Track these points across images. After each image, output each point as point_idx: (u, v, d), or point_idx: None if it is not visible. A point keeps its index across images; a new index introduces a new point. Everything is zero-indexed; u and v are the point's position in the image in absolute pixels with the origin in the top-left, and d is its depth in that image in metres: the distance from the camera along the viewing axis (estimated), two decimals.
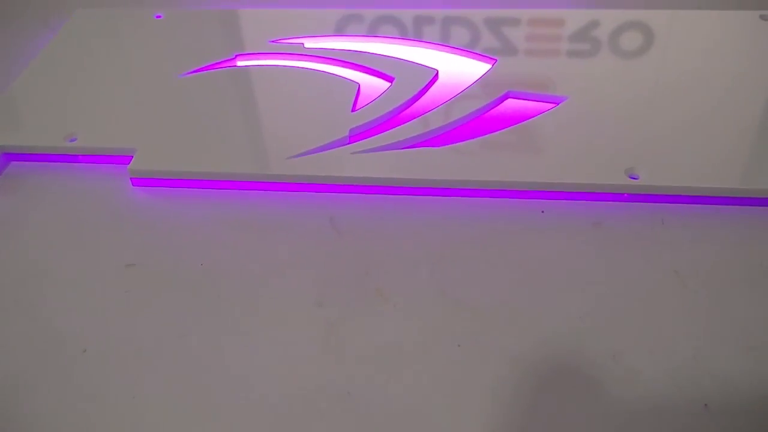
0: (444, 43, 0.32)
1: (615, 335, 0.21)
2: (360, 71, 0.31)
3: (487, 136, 0.27)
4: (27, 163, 0.28)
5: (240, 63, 0.32)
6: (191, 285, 0.23)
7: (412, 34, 0.33)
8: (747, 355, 0.20)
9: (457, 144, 0.27)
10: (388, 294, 0.23)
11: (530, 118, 0.28)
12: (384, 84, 0.30)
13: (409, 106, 0.29)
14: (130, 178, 0.27)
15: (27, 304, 0.23)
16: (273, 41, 0.33)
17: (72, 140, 0.28)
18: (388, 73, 0.31)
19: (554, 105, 0.28)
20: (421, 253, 0.24)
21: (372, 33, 0.33)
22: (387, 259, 0.24)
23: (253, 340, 0.22)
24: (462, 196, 0.26)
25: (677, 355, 0.20)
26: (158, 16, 0.35)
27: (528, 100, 0.29)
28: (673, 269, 0.23)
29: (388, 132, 0.28)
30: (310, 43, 0.32)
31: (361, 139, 0.27)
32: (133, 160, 0.27)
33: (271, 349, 0.21)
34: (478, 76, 0.30)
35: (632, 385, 0.20)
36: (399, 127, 0.28)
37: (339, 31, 0.33)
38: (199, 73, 0.31)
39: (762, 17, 0.32)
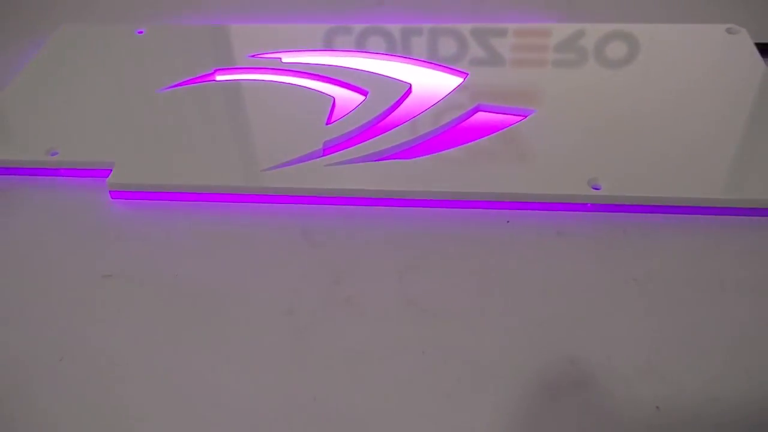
0: (418, 57, 0.33)
1: (574, 341, 0.22)
2: (335, 85, 0.32)
3: (456, 148, 0.28)
4: (9, 176, 0.29)
5: (219, 77, 0.33)
6: (165, 295, 0.24)
7: (388, 49, 0.33)
8: (697, 360, 0.21)
9: (428, 156, 0.27)
10: (357, 302, 0.23)
11: (499, 130, 0.28)
12: (359, 97, 0.31)
13: (382, 119, 0.30)
14: (109, 191, 0.27)
15: (4, 313, 0.24)
16: (251, 56, 0.34)
17: (53, 154, 0.28)
18: (363, 87, 0.31)
19: (522, 118, 0.29)
20: (390, 262, 0.25)
21: (348, 47, 0.34)
22: (357, 269, 0.25)
23: (223, 347, 0.22)
24: (431, 207, 0.26)
25: (632, 360, 0.21)
26: (140, 32, 0.36)
27: (497, 113, 0.30)
28: (633, 278, 0.23)
29: (361, 144, 0.28)
30: (287, 58, 0.33)
31: (335, 152, 0.28)
32: (111, 173, 0.27)
33: (241, 355, 0.22)
34: (450, 90, 0.31)
35: (588, 387, 0.20)
36: (372, 139, 0.29)
37: (316, 46, 0.34)
38: (178, 87, 0.32)
39: (728, 31, 0.33)
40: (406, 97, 0.31)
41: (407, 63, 0.33)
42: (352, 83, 0.32)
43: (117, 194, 0.27)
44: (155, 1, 0.40)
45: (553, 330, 0.22)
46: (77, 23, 0.37)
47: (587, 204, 0.26)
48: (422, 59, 0.33)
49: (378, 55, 0.33)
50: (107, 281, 0.24)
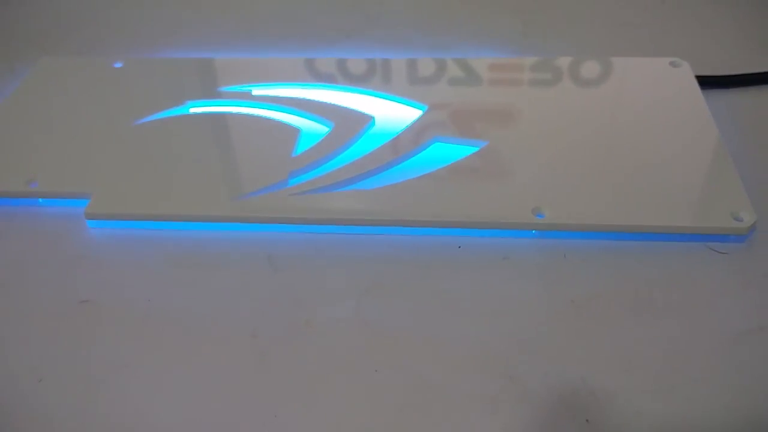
0: (381, 89, 0.35)
1: (515, 359, 0.24)
2: (302, 117, 0.34)
3: (414, 178, 0.30)
4: None
5: (192, 110, 0.34)
6: (139, 319, 0.26)
7: (352, 81, 0.35)
8: (626, 375, 0.23)
9: (387, 186, 0.29)
10: (315, 325, 0.25)
11: (453, 161, 0.30)
12: (324, 129, 0.33)
13: (345, 150, 0.32)
14: (86, 220, 0.29)
15: None
16: (223, 89, 0.35)
17: (33, 185, 0.30)
18: (328, 118, 0.33)
19: (476, 149, 0.31)
20: (348, 286, 0.27)
21: (315, 80, 0.36)
22: (317, 293, 0.26)
23: (193, 368, 0.24)
24: (388, 234, 0.28)
25: (567, 377, 0.23)
26: (117, 65, 0.37)
27: (453, 144, 0.32)
28: (570, 299, 0.26)
29: (324, 174, 0.30)
30: (257, 91, 0.35)
31: (300, 181, 0.30)
32: (89, 203, 0.29)
33: (210, 375, 0.24)
34: (410, 122, 0.33)
35: (525, 403, 0.23)
36: (335, 169, 0.31)
37: (285, 79, 0.36)
38: (153, 119, 0.34)
39: (672, 64, 0.36)
40: (369, 128, 0.33)
41: (370, 96, 0.35)
42: (318, 115, 0.34)
43: (94, 222, 0.29)
44: (131, 34, 0.42)
45: (496, 349, 0.24)
46: (56, 55, 0.39)
47: (532, 230, 0.28)
48: (384, 92, 0.35)
49: (343, 88, 0.35)
50: (84, 306, 0.26)
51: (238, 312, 0.26)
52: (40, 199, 0.30)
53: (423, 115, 0.33)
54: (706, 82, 0.35)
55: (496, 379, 0.23)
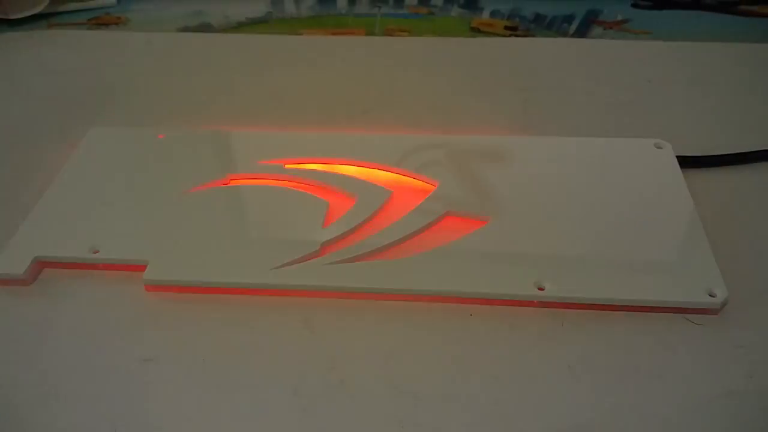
0: (397, 165, 0.39)
1: (519, 417, 0.28)
2: (329, 190, 0.38)
3: (429, 251, 0.34)
4: (56, 269, 0.35)
5: (232, 181, 0.39)
6: (196, 376, 0.30)
7: (372, 157, 0.40)
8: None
9: (405, 258, 0.34)
10: (349, 384, 0.29)
11: (463, 235, 0.35)
12: (349, 202, 0.37)
13: (368, 223, 0.36)
14: (144, 285, 0.33)
15: (59, 391, 0.29)
16: (258, 162, 0.40)
17: (96, 252, 0.34)
18: (352, 192, 0.38)
19: (483, 224, 0.35)
20: (376, 349, 0.31)
21: (339, 155, 0.40)
22: (350, 354, 0.31)
23: (244, 421, 0.28)
24: (408, 301, 0.32)
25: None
26: (160, 136, 0.42)
27: (462, 219, 0.36)
28: (568, 364, 0.30)
29: (350, 246, 0.35)
30: (289, 165, 0.40)
31: (330, 252, 0.34)
32: (146, 271, 0.33)
33: (259, 427, 0.28)
34: (424, 197, 0.37)
35: None
36: (360, 241, 0.35)
37: (313, 153, 0.40)
38: (197, 191, 0.38)
39: (656, 145, 0.40)
40: (389, 202, 0.37)
41: (389, 171, 0.39)
42: (344, 189, 0.38)
43: (151, 287, 0.33)
44: (171, 106, 0.47)
45: (504, 410, 0.28)
46: (103, 126, 0.43)
47: (533, 302, 0.32)
48: (400, 167, 0.39)
49: (364, 163, 0.40)
50: (148, 364, 0.30)
51: (281, 370, 0.30)
52: (101, 265, 0.34)
53: (436, 190, 0.38)
54: (687, 163, 0.40)
55: None
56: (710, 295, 0.31)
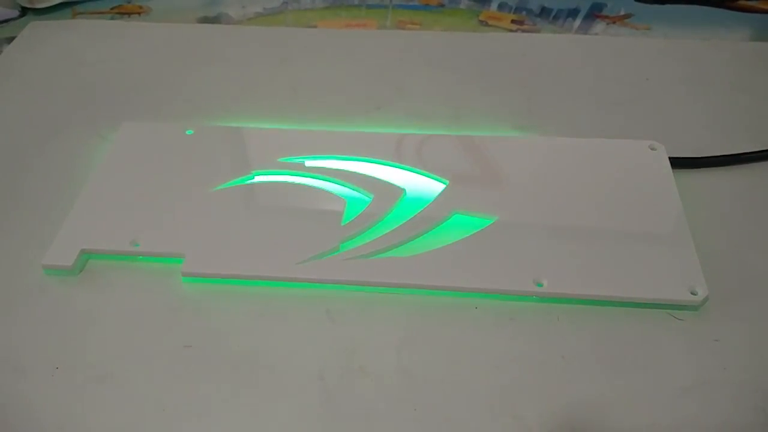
0: (409, 164, 0.42)
1: (517, 402, 0.32)
2: (347, 188, 0.41)
3: (439, 248, 0.38)
4: (100, 260, 0.38)
5: (257, 178, 0.42)
6: (232, 361, 0.33)
7: (385, 156, 0.43)
8: (601, 415, 0.31)
9: (417, 254, 0.37)
10: (368, 370, 0.33)
11: (469, 234, 0.38)
12: (365, 199, 0.41)
13: (383, 220, 0.39)
14: (182, 276, 0.37)
15: (106, 375, 0.33)
16: (281, 159, 0.43)
17: (136, 245, 0.38)
18: (368, 190, 0.41)
19: (489, 222, 0.39)
20: (392, 338, 0.34)
21: (355, 153, 0.43)
22: (368, 343, 0.34)
23: (274, 404, 0.32)
24: (419, 295, 0.36)
25: (557, 416, 0.31)
26: (189, 132, 0.45)
27: (470, 216, 0.39)
28: (561, 355, 0.33)
29: (367, 242, 0.38)
30: (309, 163, 0.43)
31: (349, 248, 0.38)
32: (183, 263, 0.37)
33: (287, 411, 0.32)
34: (434, 196, 0.40)
35: None
36: (375, 238, 0.38)
37: (330, 151, 0.43)
38: (226, 187, 0.41)
39: (650, 147, 0.43)
40: (401, 200, 0.40)
41: (402, 169, 0.42)
42: (360, 186, 0.41)
43: (188, 278, 0.37)
44: (192, 99, 0.49)
45: (505, 394, 0.32)
46: (134, 121, 0.46)
47: (532, 297, 0.35)
48: (413, 166, 0.42)
49: (378, 161, 0.43)
50: (189, 350, 0.34)
51: (307, 357, 0.34)
52: (141, 257, 0.38)
53: (445, 189, 0.41)
54: (680, 163, 0.43)
55: (503, 417, 0.31)
56: (692, 293, 0.35)
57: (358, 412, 0.32)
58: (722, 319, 0.35)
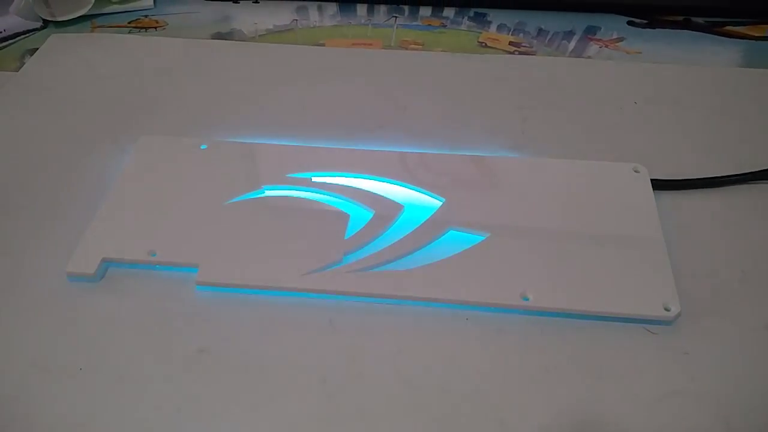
0: (409, 181, 0.45)
1: (504, 408, 0.35)
2: (350, 203, 0.44)
3: (435, 262, 0.41)
4: (120, 268, 0.41)
5: (267, 192, 0.45)
6: (243, 365, 0.36)
7: (386, 173, 0.46)
8: (580, 422, 0.34)
9: (414, 268, 0.40)
10: (366, 375, 0.36)
11: (462, 249, 0.41)
12: (367, 215, 0.44)
13: (383, 235, 0.42)
14: (196, 285, 0.40)
15: (125, 377, 0.36)
16: (290, 175, 0.46)
17: (153, 255, 0.41)
18: (370, 206, 0.44)
19: (481, 239, 0.42)
20: (390, 346, 0.37)
21: (358, 170, 0.46)
22: (367, 350, 0.37)
23: (280, 404, 0.35)
24: (415, 306, 0.39)
25: (540, 422, 0.34)
26: (203, 146, 0.48)
27: (463, 233, 0.42)
28: (544, 366, 0.36)
29: (369, 255, 0.41)
30: (316, 179, 0.46)
31: (351, 261, 0.41)
32: (198, 273, 0.40)
33: (292, 411, 0.35)
34: (431, 213, 0.43)
35: None
36: (376, 252, 0.41)
37: (336, 168, 0.46)
38: (238, 201, 0.44)
39: (634, 169, 0.46)
40: (401, 216, 0.43)
41: (401, 185, 0.45)
42: (362, 203, 0.44)
43: (201, 287, 0.40)
44: (206, 113, 0.52)
45: (492, 400, 0.35)
46: (151, 135, 0.49)
47: (519, 310, 0.38)
48: (412, 183, 0.45)
49: (380, 179, 0.46)
50: (203, 353, 0.37)
51: (310, 363, 0.37)
52: (158, 266, 0.41)
53: (441, 207, 0.44)
54: (661, 185, 0.46)
55: (490, 421, 0.34)
56: (666, 309, 0.38)
57: (357, 414, 0.35)
58: (692, 333, 0.38)
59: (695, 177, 0.46)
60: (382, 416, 0.35)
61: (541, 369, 0.36)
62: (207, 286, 0.40)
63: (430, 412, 0.35)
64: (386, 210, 0.44)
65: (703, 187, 0.46)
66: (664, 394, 0.35)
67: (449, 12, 0.64)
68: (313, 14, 0.64)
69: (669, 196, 0.45)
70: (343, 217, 0.43)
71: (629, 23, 0.62)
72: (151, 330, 0.38)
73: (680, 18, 0.62)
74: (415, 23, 0.62)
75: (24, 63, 0.58)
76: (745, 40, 0.60)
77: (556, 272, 0.40)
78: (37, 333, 0.38)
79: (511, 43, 0.59)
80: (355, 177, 0.46)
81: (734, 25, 0.61)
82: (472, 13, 0.63)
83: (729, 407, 0.35)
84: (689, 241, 0.43)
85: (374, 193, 0.45)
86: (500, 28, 0.61)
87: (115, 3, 0.63)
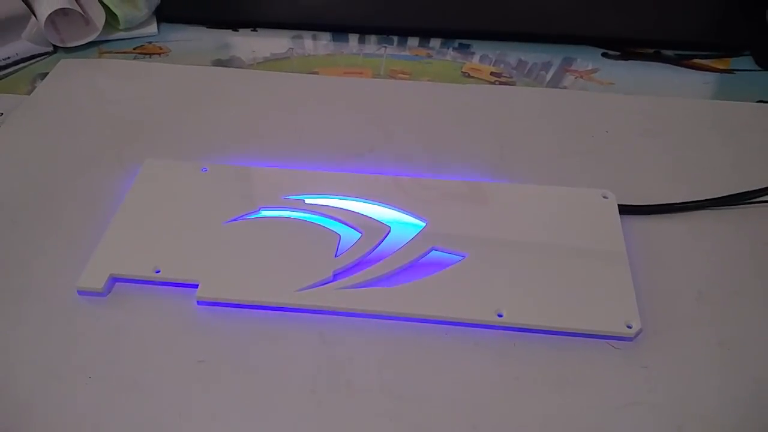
0: (395, 204, 0.49)
1: (477, 414, 0.38)
2: (340, 224, 0.48)
3: (417, 280, 0.44)
4: (126, 284, 0.45)
5: (263, 213, 0.48)
6: (239, 375, 0.40)
7: (373, 195, 0.49)
8: (547, 429, 0.38)
9: (399, 286, 0.44)
10: (353, 385, 0.39)
11: (444, 268, 0.45)
12: (356, 235, 0.47)
13: (371, 254, 0.46)
14: (196, 301, 0.43)
15: (131, 386, 0.39)
16: (284, 197, 0.49)
17: (157, 272, 0.44)
18: (358, 226, 0.47)
19: (460, 259, 0.45)
20: (375, 358, 0.41)
21: (348, 192, 0.50)
22: (354, 361, 0.40)
23: (272, 412, 0.38)
24: (399, 321, 0.43)
25: (510, 428, 0.38)
26: (204, 170, 0.51)
27: (445, 253, 0.46)
28: (515, 376, 0.40)
29: (357, 274, 0.44)
30: (308, 200, 0.49)
31: (341, 278, 0.44)
32: (198, 289, 0.43)
33: (284, 419, 0.38)
34: (415, 233, 0.47)
35: None
36: (364, 270, 0.45)
37: (327, 191, 0.50)
38: (235, 221, 0.47)
39: (603, 195, 0.50)
40: (387, 237, 0.47)
41: (387, 207, 0.49)
42: (351, 223, 0.48)
43: (201, 303, 0.43)
44: (206, 138, 0.56)
45: (467, 406, 0.38)
46: (155, 158, 0.52)
47: (494, 325, 0.42)
48: (397, 206, 0.49)
49: (368, 201, 0.49)
50: (202, 364, 0.40)
51: (301, 373, 0.40)
52: (161, 282, 0.44)
53: (424, 227, 0.48)
54: (628, 210, 0.49)
55: (464, 427, 0.38)
56: (627, 326, 0.41)
57: (344, 420, 0.38)
58: (652, 348, 0.41)
59: (659, 203, 0.50)
60: (366, 422, 0.38)
61: (513, 379, 0.40)
62: (207, 302, 0.43)
63: (410, 418, 0.38)
64: (374, 230, 0.47)
65: (664, 213, 0.50)
66: (624, 404, 0.39)
67: (435, 43, 0.67)
68: (308, 43, 0.67)
69: (634, 221, 0.49)
70: (333, 237, 0.47)
71: (604, 55, 0.66)
72: (155, 342, 0.41)
73: (651, 51, 0.66)
74: (403, 53, 0.66)
75: (35, 86, 0.61)
76: (711, 73, 0.64)
77: (529, 291, 0.43)
78: (49, 343, 0.41)
79: (492, 74, 0.63)
80: (345, 199, 0.50)
81: (701, 58, 0.65)
82: (456, 44, 0.67)
83: (683, 417, 0.38)
84: (651, 263, 0.46)
85: (363, 215, 0.48)
86: (482, 58, 0.65)
87: (121, 29, 0.67)
